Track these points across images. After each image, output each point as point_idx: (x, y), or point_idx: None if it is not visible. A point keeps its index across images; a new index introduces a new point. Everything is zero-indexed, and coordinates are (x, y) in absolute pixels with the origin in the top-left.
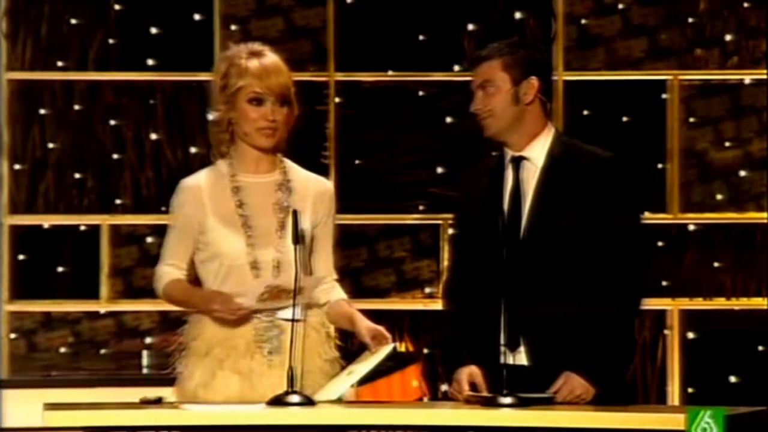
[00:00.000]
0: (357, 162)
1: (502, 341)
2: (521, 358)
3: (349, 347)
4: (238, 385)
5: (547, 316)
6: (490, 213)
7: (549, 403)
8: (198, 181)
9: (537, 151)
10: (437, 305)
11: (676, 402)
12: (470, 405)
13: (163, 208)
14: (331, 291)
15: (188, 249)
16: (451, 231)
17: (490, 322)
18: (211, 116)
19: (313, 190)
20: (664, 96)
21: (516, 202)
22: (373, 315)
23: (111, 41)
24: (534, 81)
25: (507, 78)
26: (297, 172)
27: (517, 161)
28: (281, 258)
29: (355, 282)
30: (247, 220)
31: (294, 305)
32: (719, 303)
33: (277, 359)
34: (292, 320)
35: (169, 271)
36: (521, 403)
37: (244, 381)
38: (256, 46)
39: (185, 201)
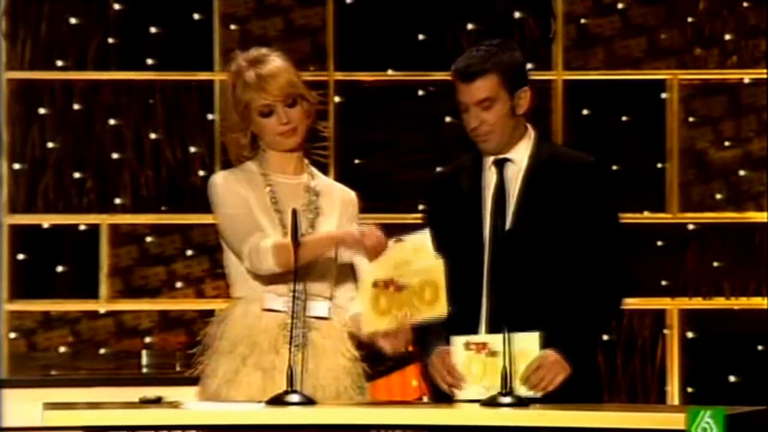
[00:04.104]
0: (357, 162)
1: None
2: None
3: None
4: (260, 381)
5: (530, 312)
6: (471, 212)
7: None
8: (233, 172)
9: (520, 153)
10: None
11: (676, 402)
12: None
13: (163, 208)
14: (353, 300)
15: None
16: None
17: (470, 318)
18: (227, 128)
19: (339, 197)
20: (663, 96)
21: (500, 202)
22: None
23: (111, 41)
24: (528, 91)
25: (505, 93)
26: (322, 177)
27: (501, 163)
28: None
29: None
30: (282, 219)
31: (293, 303)
32: (718, 303)
33: (303, 355)
34: (292, 319)
35: (264, 236)
36: (521, 403)
37: (266, 377)
38: (254, 52)
39: (232, 184)
